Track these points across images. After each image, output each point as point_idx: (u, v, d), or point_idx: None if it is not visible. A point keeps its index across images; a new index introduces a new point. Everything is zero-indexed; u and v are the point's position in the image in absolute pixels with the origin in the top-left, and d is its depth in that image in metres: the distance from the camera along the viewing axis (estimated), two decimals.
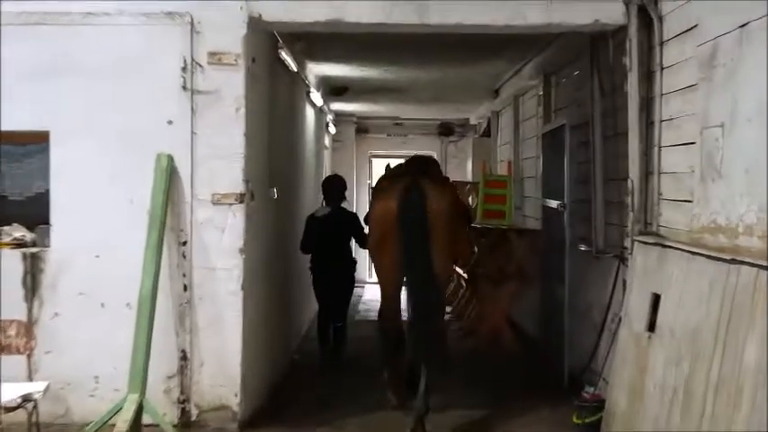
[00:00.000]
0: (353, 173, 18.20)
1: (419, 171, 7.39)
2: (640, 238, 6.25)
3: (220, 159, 6.52)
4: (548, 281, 9.60)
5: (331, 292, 9.28)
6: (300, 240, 9.27)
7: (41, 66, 6.47)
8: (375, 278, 8.03)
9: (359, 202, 17.42)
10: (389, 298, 7.45)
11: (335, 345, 9.50)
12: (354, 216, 9.49)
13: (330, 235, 9.16)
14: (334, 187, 9.43)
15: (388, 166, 7.95)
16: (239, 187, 6.55)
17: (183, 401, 6.53)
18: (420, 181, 7.02)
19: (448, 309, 13.44)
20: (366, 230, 8.23)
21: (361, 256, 14.30)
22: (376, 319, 8.16)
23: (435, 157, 18.74)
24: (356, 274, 9.52)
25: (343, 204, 9.45)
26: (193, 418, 6.55)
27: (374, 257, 7.47)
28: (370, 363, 9.02)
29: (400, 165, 8.21)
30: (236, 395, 6.55)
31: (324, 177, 10.42)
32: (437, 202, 6.96)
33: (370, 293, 15.95)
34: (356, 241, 9.32)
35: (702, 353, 4.75)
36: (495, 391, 8.31)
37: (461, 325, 11.70)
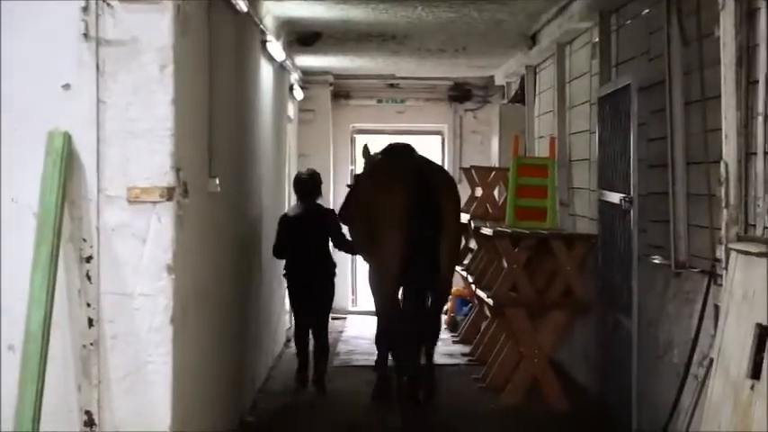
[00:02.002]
0: (329, 155, 18.21)
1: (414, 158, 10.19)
2: (739, 246, 6.26)
3: (139, 139, 6.50)
4: (608, 308, 9.62)
5: (311, 298, 11.18)
6: (273, 245, 11.26)
7: None
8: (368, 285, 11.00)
9: (337, 196, 17.39)
10: (389, 292, 10.20)
11: (316, 357, 11.41)
12: (332, 212, 11.58)
13: (306, 236, 11.06)
14: (307, 184, 11.42)
15: (366, 147, 10.72)
16: (166, 178, 6.54)
17: None
18: (425, 169, 9.53)
19: (466, 350, 13.51)
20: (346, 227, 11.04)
21: (342, 274, 14.46)
22: (361, 362, 11.42)
23: (446, 132, 19.01)
24: (336, 280, 11.52)
25: (319, 201, 11.27)
26: None
27: (369, 251, 10.33)
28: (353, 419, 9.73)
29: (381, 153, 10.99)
30: None
31: (297, 174, 12.01)
32: (448, 196, 9.84)
33: (353, 328, 15.97)
34: (332, 241, 11.33)
35: None
36: None
37: (484, 373, 11.72)
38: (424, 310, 10.12)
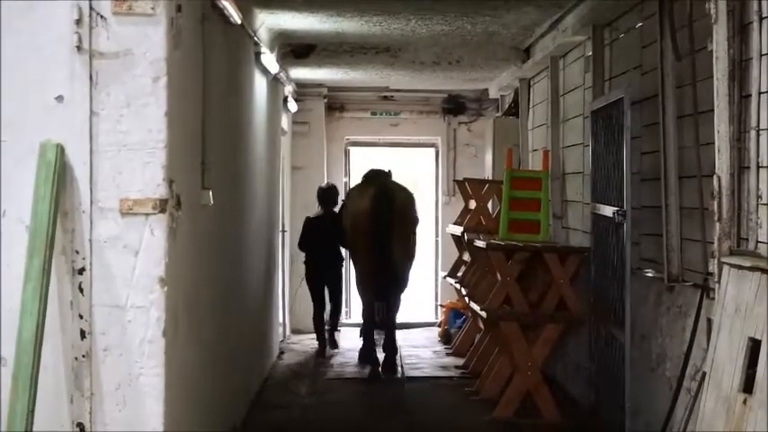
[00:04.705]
0: (323, 168, 18.22)
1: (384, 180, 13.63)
2: (731, 261, 6.26)
3: (132, 151, 6.50)
4: (601, 321, 9.62)
5: (324, 279, 15.04)
6: (298, 241, 15.20)
7: None
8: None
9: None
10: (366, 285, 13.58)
11: (331, 315, 15.54)
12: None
13: (322, 234, 14.59)
14: (326, 193, 15.11)
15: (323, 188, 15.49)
16: (159, 191, 6.53)
17: None
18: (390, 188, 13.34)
19: (459, 362, 13.52)
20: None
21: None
22: (355, 375, 13.51)
23: (440, 144, 19.05)
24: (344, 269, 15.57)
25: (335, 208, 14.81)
26: None
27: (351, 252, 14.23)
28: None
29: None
30: None
31: (319, 186, 15.61)
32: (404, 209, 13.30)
33: (347, 341, 15.94)
34: (340, 240, 14.33)
35: None
36: None
37: (477, 386, 11.71)
38: (385, 301, 13.19)
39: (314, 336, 15.44)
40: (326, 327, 15.39)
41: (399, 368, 13.59)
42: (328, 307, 15.54)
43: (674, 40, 8.01)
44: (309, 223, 15.02)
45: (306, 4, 10.90)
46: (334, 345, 15.45)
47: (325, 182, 16.33)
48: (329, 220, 14.62)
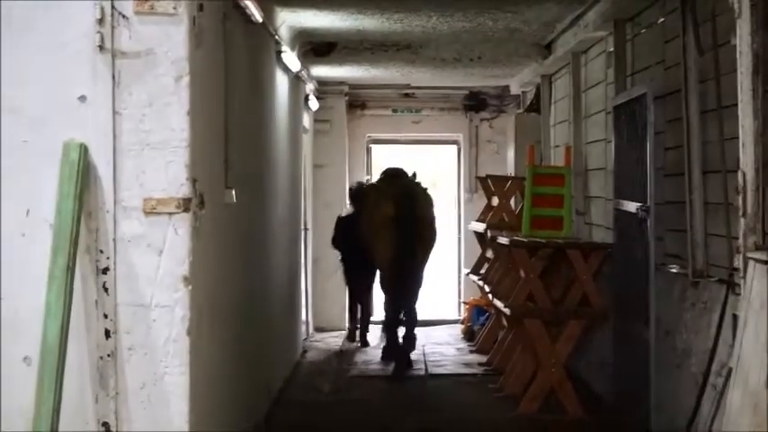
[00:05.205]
0: (345, 166, 18.23)
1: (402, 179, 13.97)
2: (757, 255, 6.23)
3: (155, 150, 6.51)
4: (625, 318, 9.60)
5: (360, 275, 15.63)
6: (331, 237, 15.91)
7: None
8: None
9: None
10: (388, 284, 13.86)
11: (362, 329, 16.00)
12: None
13: (352, 231, 14.68)
14: (361, 195, 15.10)
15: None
16: (182, 190, 6.54)
17: None
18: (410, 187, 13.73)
19: (483, 359, 13.50)
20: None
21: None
22: (378, 373, 13.59)
23: (462, 141, 19.03)
24: None
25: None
26: None
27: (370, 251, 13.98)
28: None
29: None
30: None
31: (351, 186, 16.56)
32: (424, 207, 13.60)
33: (369, 337, 15.95)
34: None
35: None
36: None
37: (501, 383, 11.70)
38: (407, 301, 13.65)
39: (336, 334, 16.38)
40: (357, 325, 16.08)
41: (415, 364, 13.74)
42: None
43: (696, 35, 7.98)
44: (341, 222, 15.72)
45: (327, 2, 10.90)
46: (365, 344, 15.78)
47: (356, 181, 16.81)
48: (358, 218, 15.03)
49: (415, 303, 13.84)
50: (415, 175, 14.23)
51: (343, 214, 15.92)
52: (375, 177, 17.53)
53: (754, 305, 6.10)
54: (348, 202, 16.13)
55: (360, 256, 14.70)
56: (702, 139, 8.04)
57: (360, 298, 16.06)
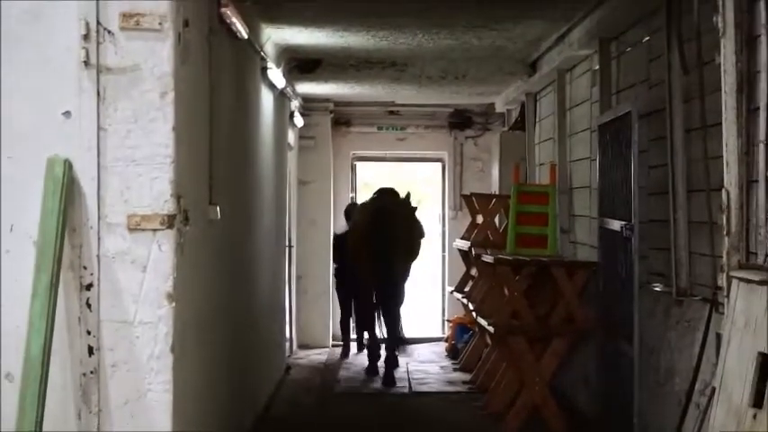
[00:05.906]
0: (330, 183, 18.22)
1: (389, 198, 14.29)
2: (741, 274, 6.24)
3: (140, 166, 6.50)
4: (609, 336, 9.60)
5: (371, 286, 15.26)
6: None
7: None
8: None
9: (336, 222, 17.56)
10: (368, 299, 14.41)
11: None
12: None
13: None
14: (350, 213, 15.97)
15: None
16: (167, 206, 6.53)
17: None
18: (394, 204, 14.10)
19: (467, 377, 13.50)
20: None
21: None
22: (363, 390, 13.46)
23: (446, 159, 19.06)
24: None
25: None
26: None
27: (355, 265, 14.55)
28: None
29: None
30: None
31: (348, 204, 17.36)
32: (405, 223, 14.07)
33: (356, 355, 15.92)
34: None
35: None
36: None
37: (485, 401, 11.69)
38: (386, 316, 13.99)
39: (320, 351, 16.72)
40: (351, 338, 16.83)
41: (399, 382, 13.80)
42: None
43: (681, 54, 8.01)
44: (338, 240, 16.52)
45: (312, 19, 10.91)
46: (361, 349, 16.42)
47: (350, 198, 18.05)
48: None
49: (395, 320, 14.07)
50: (408, 195, 14.62)
51: (339, 232, 16.70)
52: (360, 195, 18.54)
53: (737, 324, 6.11)
54: (344, 219, 16.59)
55: (352, 271, 15.07)
56: (687, 158, 8.05)
57: (356, 313, 16.31)
